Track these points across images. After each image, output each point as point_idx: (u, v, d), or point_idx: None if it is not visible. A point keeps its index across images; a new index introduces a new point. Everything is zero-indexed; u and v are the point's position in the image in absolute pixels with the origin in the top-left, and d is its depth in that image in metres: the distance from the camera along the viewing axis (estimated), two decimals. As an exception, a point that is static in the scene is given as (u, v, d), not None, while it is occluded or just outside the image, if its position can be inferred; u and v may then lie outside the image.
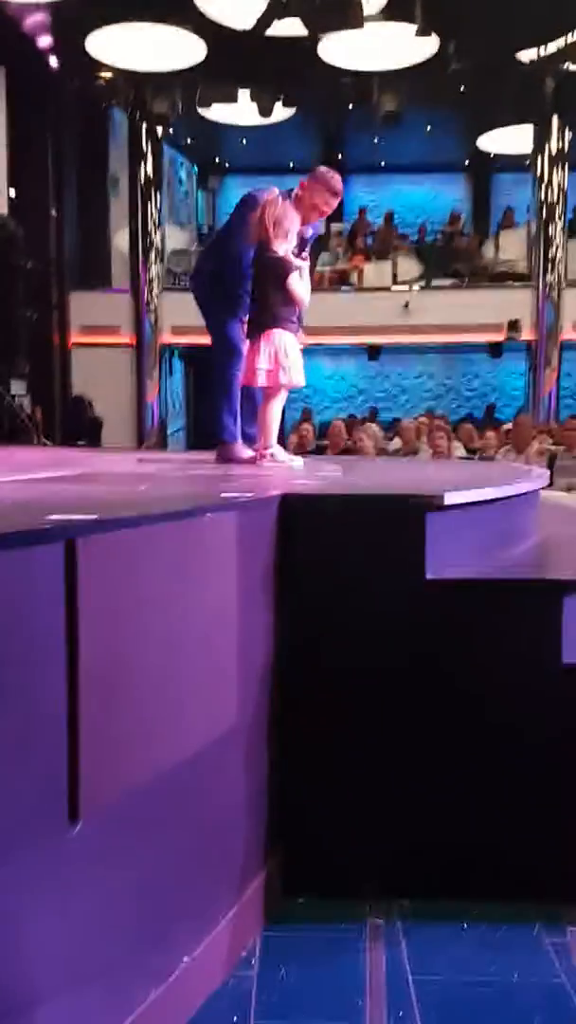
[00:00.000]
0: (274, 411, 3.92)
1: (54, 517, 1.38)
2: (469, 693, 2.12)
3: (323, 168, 4.06)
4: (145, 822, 1.56)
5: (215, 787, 1.83)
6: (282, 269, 3.74)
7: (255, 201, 3.83)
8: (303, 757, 2.14)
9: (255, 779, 2.01)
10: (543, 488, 3.39)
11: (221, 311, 4.03)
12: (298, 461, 4.11)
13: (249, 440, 4.07)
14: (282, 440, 5.01)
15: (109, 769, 1.42)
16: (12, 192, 11.93)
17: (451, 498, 2.20)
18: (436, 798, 2.13)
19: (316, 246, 12.97)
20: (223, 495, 2.04)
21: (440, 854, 2.14)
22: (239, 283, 3.92)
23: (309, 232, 4.03)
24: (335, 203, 3.92)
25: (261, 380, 3.77)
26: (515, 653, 2.13)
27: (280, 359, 3.73)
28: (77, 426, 11.25)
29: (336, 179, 3.91)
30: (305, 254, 3.88)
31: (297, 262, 3.77)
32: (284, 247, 3.78)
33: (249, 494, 2.06)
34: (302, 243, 3.95)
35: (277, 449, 3.97)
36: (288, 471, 3.67)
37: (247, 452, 4.16)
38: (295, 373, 3.80)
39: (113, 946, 1.49)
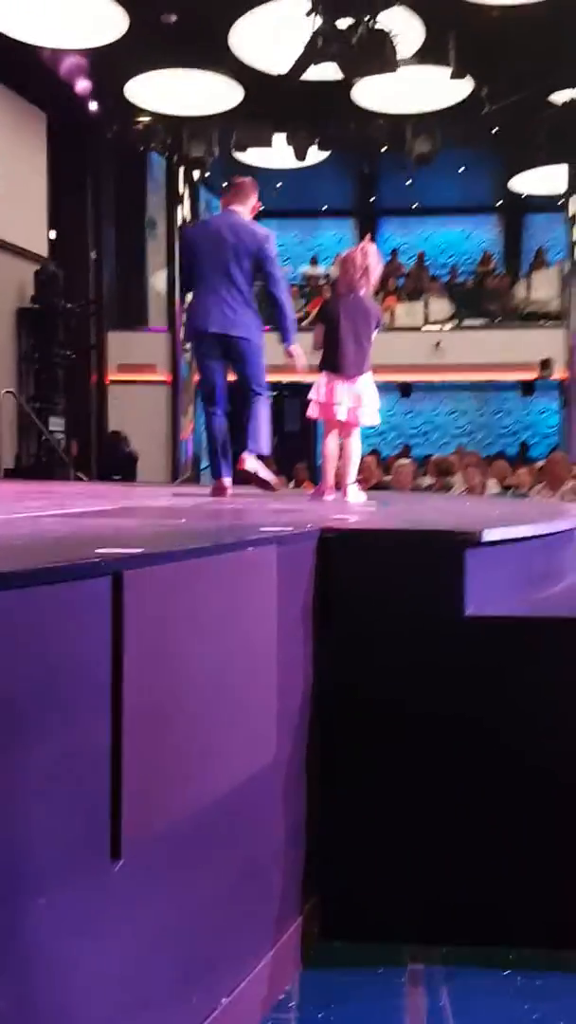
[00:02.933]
0: (355, 446, 4.14)
1: (101, 551, 1.39)
2: (509, 732, 2.09)
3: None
4: (183, 861, 1.55)
5: (253, 826, 1.82)
6: (377, 316, 4.05)
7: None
8: (340, 797, 2.11)
9: (293, 818, 1.99)
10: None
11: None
12: (362, 496, 4.27)
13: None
14: (314, 477, 5.18)
15: (151, 804, 1.41)
16: (52, 234, 12.18)
17: (489, 535, 2.19)
18: (477, 843, 2.09)
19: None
20: (263, 529, 2.05)
21: (481, 900, 2.10)
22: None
23: None
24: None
25: (342, 416, 4.03)
26: (556, 693, 2.10)
27: (363, 399, 4.01)
28: (113, 461, 11.35)
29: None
30: None
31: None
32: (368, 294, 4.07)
33: (289, 528, 2.06)
34: None
35: (355, 487, 4.18)
36: (329, 506, 3.74)
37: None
38: (373, 413, 4.07)
39: (150, 986, 1.47)
